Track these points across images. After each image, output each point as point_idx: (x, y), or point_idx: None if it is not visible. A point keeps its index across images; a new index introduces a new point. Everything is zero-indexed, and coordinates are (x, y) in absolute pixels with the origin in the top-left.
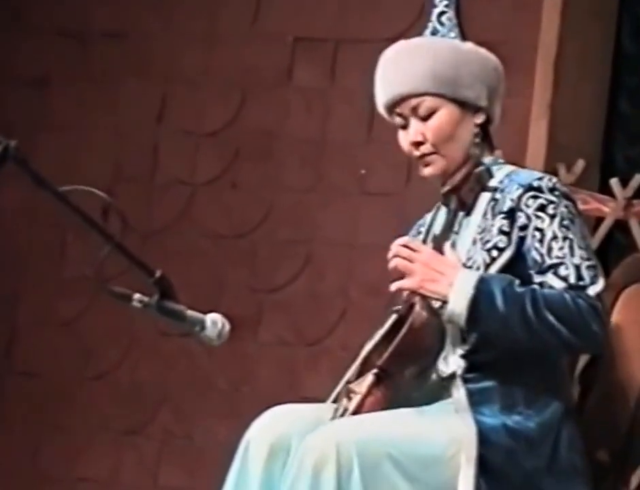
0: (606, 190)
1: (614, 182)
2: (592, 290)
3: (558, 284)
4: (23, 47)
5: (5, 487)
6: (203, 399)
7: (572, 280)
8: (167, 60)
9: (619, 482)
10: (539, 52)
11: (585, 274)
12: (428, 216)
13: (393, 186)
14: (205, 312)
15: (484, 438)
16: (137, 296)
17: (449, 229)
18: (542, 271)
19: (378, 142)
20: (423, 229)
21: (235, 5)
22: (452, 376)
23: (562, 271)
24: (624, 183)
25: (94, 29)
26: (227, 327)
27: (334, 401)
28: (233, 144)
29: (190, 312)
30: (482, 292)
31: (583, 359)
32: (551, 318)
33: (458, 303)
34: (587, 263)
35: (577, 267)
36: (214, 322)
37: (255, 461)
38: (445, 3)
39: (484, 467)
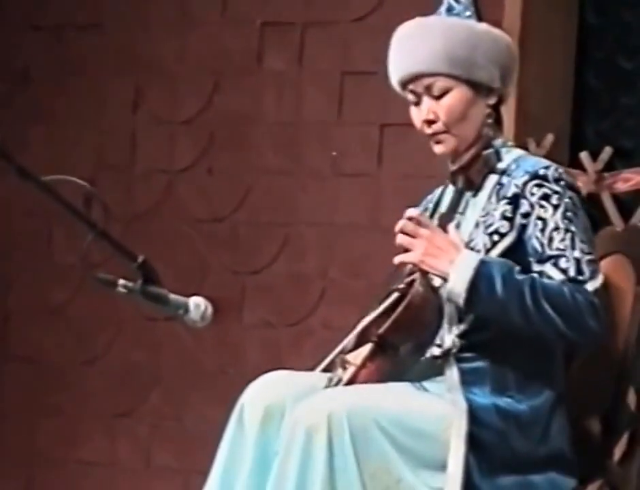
0: (576, 163)
1: (584, 156)
2: (591, 286)
3: (557, 276)
4: (0, 42)
5: (0, 470)
6: (192, 381)
7: (571, 273)
8: (141, 50)
9: (603, 454)
10: (504, 27)
11: (585, 268)
12: (437, 192)
13: (366, 166)
14: (188, 296)
15: (474, 416)
16: (121, 282)
17: (454, 208)
18: (541, 261)
19: (349, 123)
20: (430, 205)
21: None
22: (445, 355)
23: (562, 263)
24: (594, 156)
25: (69, 22)
26: (210, 309)
27: (325, 371)
28: (207, 130)
29: (173, 296)
30: (482, 274)
31: None
32: (548, 308)
33: (458, 283)
34: (588, 257)
35: (578, 261)
36: (197, 305)
37: (251, 423)
38: None
39: (474, 444)
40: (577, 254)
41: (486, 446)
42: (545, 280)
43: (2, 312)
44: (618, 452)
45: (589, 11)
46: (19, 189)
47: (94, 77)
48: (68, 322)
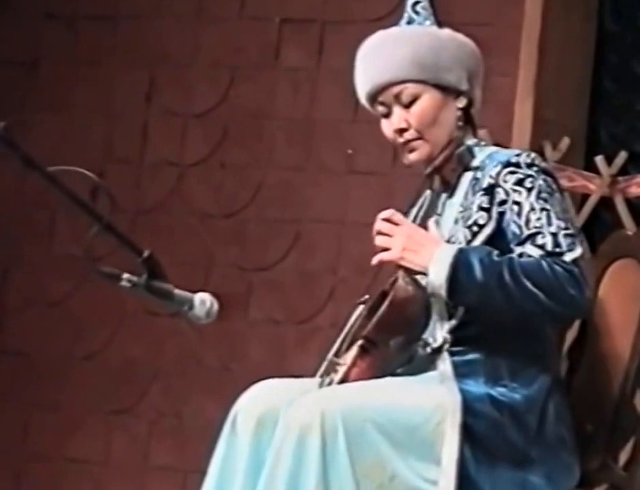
0: (591, 167)
1: (599, 160)
2: (568, 257)
3: (536, 253)
4: (12, 30)
5: None
6: (193, 377)
7: (549, 247)
8: (156, 42)
9: (608, 457)
10: (524, 32)
11: (562, 242)
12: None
13: (380, 164)
14: (194, 291)
15: (469, 407)
16: (125, 276)
17: (432, 208)
18: (521, 242)
19: (365, 122)
20: (411, 210)
21: None
22: (438, 350)
23: (539, 239)
24: (609, 160)
25: (83, 12)
26: (216, 305)
27: (320, 377)
28: (221, 125)
29: (178, 291)
30: (460, 262)
31: (570, 335)
32: (528, 284)
33: (438, 275)
34: (565, 231)
35: (554, 235)
36: (203, 301)
37: (243, 433)
38: None
39: (468, 435)
40: (553, 229)
41: (481, 436)
42: (524, 259)
43: None
44: (624, 456)
45: (608, 17)
46: (20, 179)
47: (106, 68)
48: (66, 315)
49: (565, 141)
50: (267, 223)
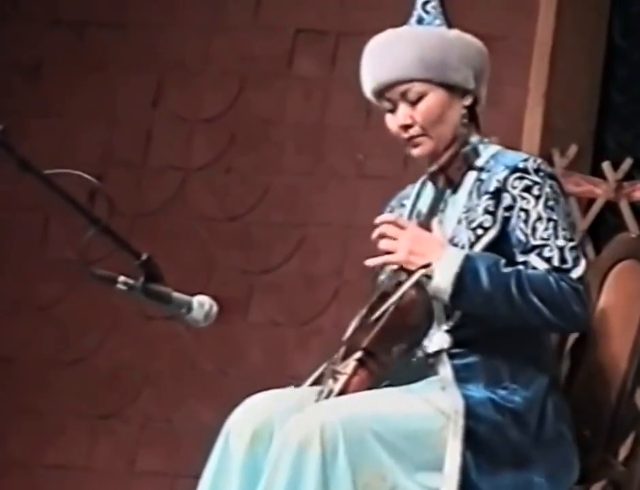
0: (598, 173)
1: (605, 165)
2: (575, 273)
3: (541, 265)
4: (19, 34)
5: None
6: (186, 382)
7: (555, 262)
8: (166, 50)
9: (608, 454)
10: (535, 44)
11: (569, 257)
12: (412, 190)
13: (390, 169)
14: (195, 294)
15: (471, 411)
16: (122, 278)
17: (435, 207)
18: (525, 251)
19: (377, 128)
20: (406, 202)
21: None
22: (437, 353)
23: (546, 252)
24: (615, 166)
25: (93, 19)
26: (215, 308)
27: (316, 383)
28: (228, 130)
29: (176, 294)
30: (468, 269)
31: (572, 335)
32: (534, 299)
33: (444, 279)
34: (570, 243)
35: (561, 250)
36: (201, 304)
37: (237, 448)
38: None
39: (471, 440)
40: (560, 242)
41: (483, 440)
42: (530, 271)
43: None
44: (623, 452)
45: (617, 32)
46: (12, 181)
47: (113, 73)
48: (55, 320)
49: (573, 149)
50: (271, 227)
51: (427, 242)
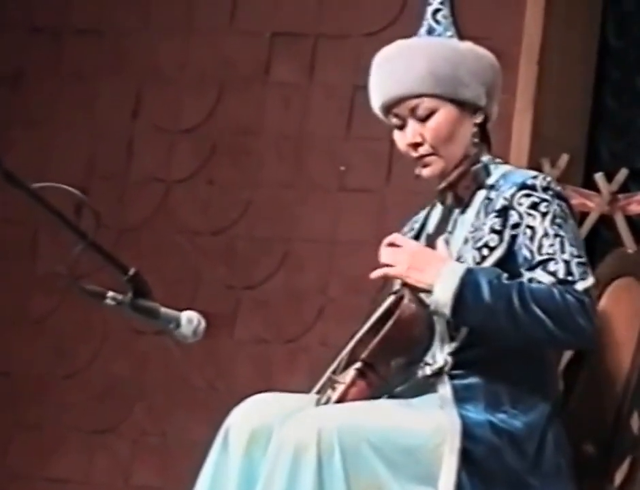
0: (590, 184)
1: (599, 177)
2: (581, 286)
3: (547, 279)
4: None
5: None
6: (178, 397)
7: (561, 275)
8: (143, 56)
9: (604, 479)
10: (523, 46)
11: (575, 270)
12: (423, 213)
13: (373, 182)
14: (181, 309)
15: (468, 432)
16: (110, 294)
17: (442, 226)
18: (531, 268)
19: (358, 138)
20: (416, 226)
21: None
22: (438, 372)
23: (551, 266)
24: (609, 177)
25: (69, 26)
26: (203, 324)
27: (318, 393)
28: (209, 141)
29: (164, 310)
30: (468, 282)
31: (566, 355)
32: (537, 310)
33: (443, 293)
34: (578, 259)
35: (567, 263)
36: (190, 319)
37: (236, 447)
38: (440, 0)
39: (467, 460)
40: (566, 256)
41: (479, 461)
42: (534, 284)
43: None
44: (619, 476)
45: (611, 32)
46: (4, 195)
47: (92, 82)
48: (49, 334)
49: (564, 158)
50: (255, 241)
51: (427, 257)
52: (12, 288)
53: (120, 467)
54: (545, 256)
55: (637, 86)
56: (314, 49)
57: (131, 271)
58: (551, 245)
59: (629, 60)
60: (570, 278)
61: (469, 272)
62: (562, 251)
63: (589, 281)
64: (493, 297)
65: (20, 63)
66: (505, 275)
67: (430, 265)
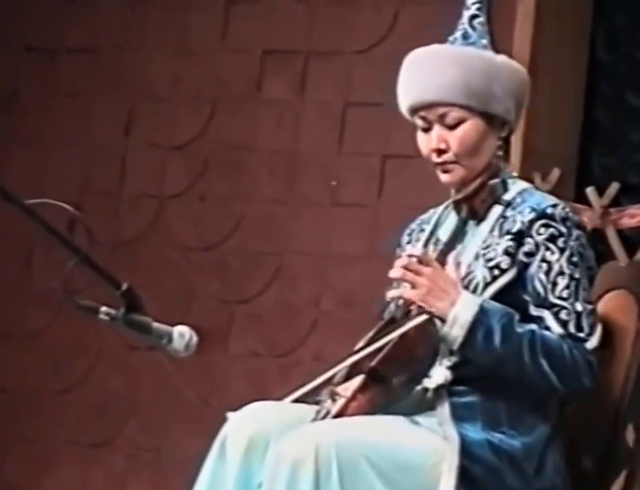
0: (582, 198)
1: (590, 191)
2: (590, 344)
3: (556, 328)
4: None
5: None
6: (172, 412)
7: (571, 328)
8: (136, 74)
9: None
10: (513, 58)
11: (585, 324)
12: (434, 215)
13: (365, 197)
14: (175, 324)
15: (467, 450)
16: (103, 309)
17: (454, 240)
18: (542, 306)
19: (350, 154)
20: (426, 227)
21: (204, 18)
22: (437, 388)
23: (563, 315)
24: (600, 191)
25: (64, 45)
26: (195, 339)
27: (302, 401)
28: (201, 157)
29: (156, 325)
30: (481, 324)
31: None
32: (545, 364)
33: (455, 328)
34: (588, 309)
35: (578, 316)
36: (182, 334)
37: (233, 454)
38: (477, 5)
39: (465, 478)
40: (578, 306)
41: (478, 481)
42: (545, 333)
43: None
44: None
45: (600, 47)
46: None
47: (85, 100)
48: (45, 349)
49: (555, 173)
50: (248, 256)
51: (445, 283)
52: (7, 304)
53: (115, 481)
54: (557, 301)
55: (628, 101)
56: (306, 66)
57: (124, 286)
58: (566, 287)
59: (619, 75)
60: (580, 335)
61: (483, 312)
62: (576, 298)
63: (597, 336)
64: (504, 343)
65: (15, 82)
66: (517, 316)
67: (447, 293)
